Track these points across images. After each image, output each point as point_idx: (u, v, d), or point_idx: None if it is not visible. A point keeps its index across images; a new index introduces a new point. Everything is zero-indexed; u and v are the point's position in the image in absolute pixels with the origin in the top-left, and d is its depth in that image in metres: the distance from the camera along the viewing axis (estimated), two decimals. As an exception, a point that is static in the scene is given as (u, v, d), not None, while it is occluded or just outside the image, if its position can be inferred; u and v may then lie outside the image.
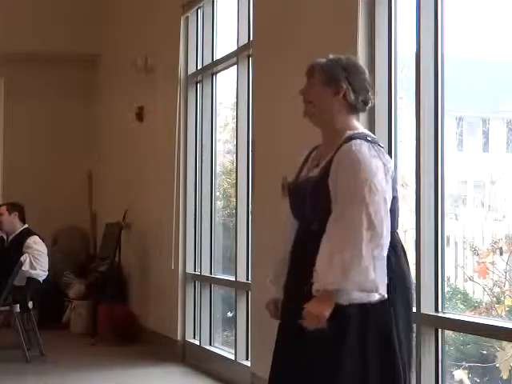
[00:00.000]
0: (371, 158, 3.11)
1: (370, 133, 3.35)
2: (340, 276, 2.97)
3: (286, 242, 3.41)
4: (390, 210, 3.12)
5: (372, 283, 2.98)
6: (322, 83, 3.27)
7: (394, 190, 3.23)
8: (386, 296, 3.03)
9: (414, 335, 3.85)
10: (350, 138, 3.18)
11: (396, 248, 3.19)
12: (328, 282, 3.00)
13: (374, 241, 3.00)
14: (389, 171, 3.16)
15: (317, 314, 3.03)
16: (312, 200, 3.23)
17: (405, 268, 3.24)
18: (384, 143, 4.66)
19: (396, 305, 3.14)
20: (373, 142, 3.19)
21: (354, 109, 3.30)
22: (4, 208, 8.15)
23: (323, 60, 3.33)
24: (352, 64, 3.33)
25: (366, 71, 3.38)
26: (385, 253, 3.04)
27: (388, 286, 3.05)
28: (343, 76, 3.26)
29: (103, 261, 9.26)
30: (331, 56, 3.35)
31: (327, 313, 3.02)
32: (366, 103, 3.32)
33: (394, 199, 3.21)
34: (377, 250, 3.00)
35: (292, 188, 3.38)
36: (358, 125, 3.32)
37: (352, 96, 3.27)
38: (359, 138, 3.17)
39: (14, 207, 8.12)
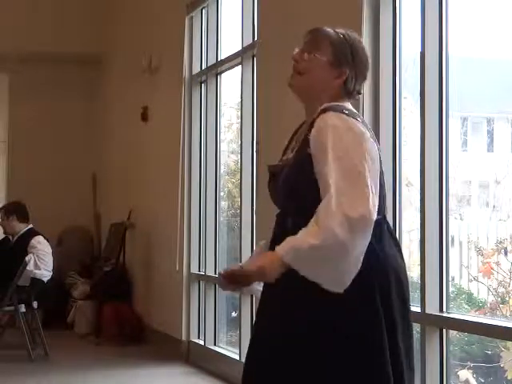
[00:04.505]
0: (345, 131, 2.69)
1: (351, 108, 2.86)
2: None
3: None
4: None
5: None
6: (326, 62, 2.85)
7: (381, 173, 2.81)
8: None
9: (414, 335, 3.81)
10: (324, 111, 2.76)
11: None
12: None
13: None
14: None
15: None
16: (284, 190, 2.77)
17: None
18: (388, 143, 4.68)
19: None
20: (349, 114, 2.75)
21: (348, 95, 2.88)
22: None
23: (332, 32, 2.88)
24: (361, 47, 2.90)
25: (369, 57, 2.96)
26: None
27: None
28: (350, 59, 2.84)
29: (108, 261, 9.27)
30: (340, 30, 2.89)
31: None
32: (359, 92, 2.92)
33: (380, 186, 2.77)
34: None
35: (271, 172, 2.89)
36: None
37: (352, 83, 2.85)
38: (333, 110, 2.75)
39: (10, 210, 8.09)
